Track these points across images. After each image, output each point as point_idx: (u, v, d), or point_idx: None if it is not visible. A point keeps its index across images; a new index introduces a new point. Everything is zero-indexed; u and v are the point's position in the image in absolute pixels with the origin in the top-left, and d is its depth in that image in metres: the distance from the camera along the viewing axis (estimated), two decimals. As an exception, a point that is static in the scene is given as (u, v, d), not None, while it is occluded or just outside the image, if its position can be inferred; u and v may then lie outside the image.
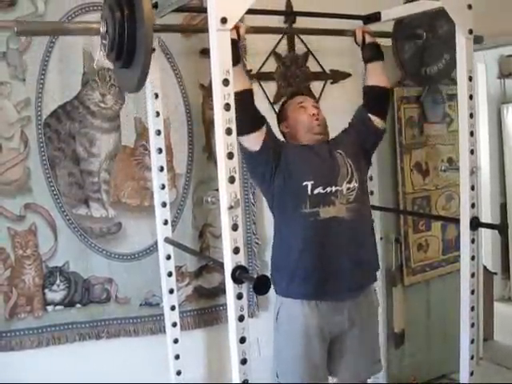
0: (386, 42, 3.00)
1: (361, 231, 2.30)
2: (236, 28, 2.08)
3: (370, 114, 2.41)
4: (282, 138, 2.41)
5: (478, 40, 2.36)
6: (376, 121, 2.41)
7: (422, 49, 2.76)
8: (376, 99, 2.45)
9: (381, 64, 2.49)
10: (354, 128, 2.45)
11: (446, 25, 2.53)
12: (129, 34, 1.83)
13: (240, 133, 2.11)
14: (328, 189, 2.21)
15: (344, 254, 2.22)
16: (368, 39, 2.50)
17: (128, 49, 1.86)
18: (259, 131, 2.19)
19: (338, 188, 2.23)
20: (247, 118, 2.11)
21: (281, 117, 2.45)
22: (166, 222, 2.49)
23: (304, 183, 2.20)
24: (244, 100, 2.08)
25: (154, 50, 2.03)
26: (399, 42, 2.83)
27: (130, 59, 1.88)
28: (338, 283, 2.21)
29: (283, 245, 2.28)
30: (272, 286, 2.24)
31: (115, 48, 1.89)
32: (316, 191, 2.20)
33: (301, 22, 2.91)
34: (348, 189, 2.25)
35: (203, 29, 1.78)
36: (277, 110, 2.85)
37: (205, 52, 2.57)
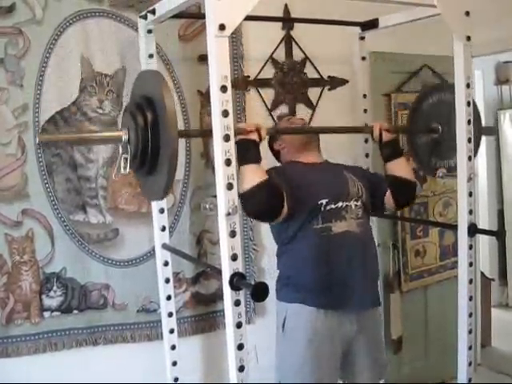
0: (386, 49, 3.03)
1: (369, 245, 2.33)
2: (257, 130, 2.10)
3: (389, 195, 2.41)
4: (275, 157, 2.46)
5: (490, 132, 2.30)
6: (390, 204, 2.43)
7: (436, 142, 2.66)
8: (402, 189, 2.43)
9: (403, 160, 2.46)
10: (370, 180, 2.43)
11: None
12: (152, 139, 1.82)
13: (268, 219, 2.26)
14: (339, 204, 2.22)
15: (356, 267, 2.21)
16: (385, 137, 2.44)
17: (152, 154, 1.84)
18: (282, 210, 2.14)
19: (347, 203, 2.24)
20: (268, 208, 2.13)
21: (273, 138, 2.44)
22: (163, 228, 2.48)
23: (319, 202, 2.19)
24: (263, 193, 2.07)
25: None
26: (413, 135, 2.81)
27: (155, 165, 1.87)
28: (350, 296, 2.20)
29: (294, 259, 2.26)
30: (276, 295, 2.26)
31: (139, 155, 1.87)
32: (328, 207, 2.20)
33: (299, 29, 2.92)
34: (356, 205, 2.26)
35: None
36: (275, 118, 2.87)
37: (203, 58, 2.57)
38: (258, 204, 2.08)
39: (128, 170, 1.92)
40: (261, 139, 2.12)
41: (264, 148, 2.32)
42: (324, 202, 2.19)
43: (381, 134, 2.44)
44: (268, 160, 2.38)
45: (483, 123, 4.72)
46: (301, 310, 2.22)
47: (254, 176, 2.04)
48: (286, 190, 2.14)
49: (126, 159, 1.90)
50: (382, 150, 2.48)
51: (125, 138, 1.89)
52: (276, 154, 2.48)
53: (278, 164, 2.47)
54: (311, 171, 2.30)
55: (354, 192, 2.28)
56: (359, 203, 2.27)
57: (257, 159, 2.08)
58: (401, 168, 2.43)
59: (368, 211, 2.36)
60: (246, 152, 2.02)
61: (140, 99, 1.92)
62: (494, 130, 2.31)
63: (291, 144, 2.39)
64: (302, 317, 2.21)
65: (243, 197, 2.02)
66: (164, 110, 1.74)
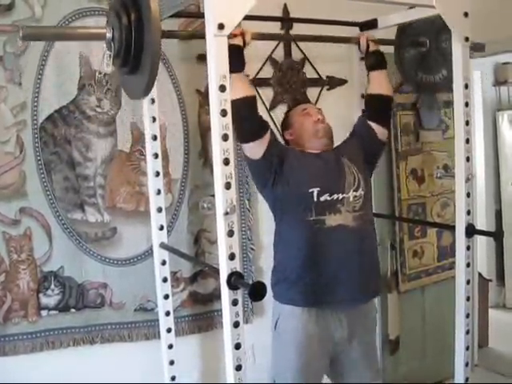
0: (387, 49, 3.02)
1: (366, 240, 2.29)
2: (242, 34, 2.08)
3: (372, 123, 2.40)
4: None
5: (479, 48, 2.36)
6: (379, 130, 2.40)
7: (423, 57, 2.75)
8: (378, 108, 2.44)
9: (384, 72, 2.48)
10: (356, 137, 2.43)
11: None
12: (136, 39, 1.82)
13: (242, 140, 2.11)
14: (335, 196, 2.19)
15: (350, 262, 2.20)
16: (372, 47, 2.48)
17: (135, 53, 1.84)
18: (262, 138, 2.16)
19: (344, 195, 2.21)
20: (250, 125, 2.11)
21: (285, 125, 2.45)
22: (161, 228, 2.48)
23: (310, 190, 2.17)
24: (247, 106, 2.08)
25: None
26: (402, 48, 2.83)
27: (137, 64, 1.87)
28: (342, 292, 2.19)
29: (287, 251, 2.26)
30: (272, 294, 2.26)
31: (122, 53, 1.87)
32: (322, 198, 2.18)
33: (297, 29, 2.92)
34: (355, 197, 2.23)
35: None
36: (273, 117, 2.86)
37: (201, 57, 2.57)
38: (240, 118, 1.95)
39: (111, 67, 1.92)
40: (245, 44, 2.11)
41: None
42: (315, 190, 2.17)
43: (367, 45, 2.48)
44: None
45: (482, 124, 4.77)
46: (292, 312, 2.22)
47: (238, 87, 1.98)
48: (275, 142, 2.21)
49: (109, 56, 1.90)
50: (366, 60, 2.51)
51: (109, 35, 1.89)
52: (287, 143, 2.45)
53: None
54: (309, 159, 2.29)
55: (351, 181, 2.25)
56: (358, 193, 2.24)
57: (240, 67, 2.04)
58: (381, 79, 2.45)
59: (369, 200, 2.34)
60: (230, 59, 1.75)
61: None
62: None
63: (301, 134, 2.37)
64: (294, 319, 2.22)
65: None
66: (148, 9, 1.73)
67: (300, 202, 2.19)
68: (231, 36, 1.93)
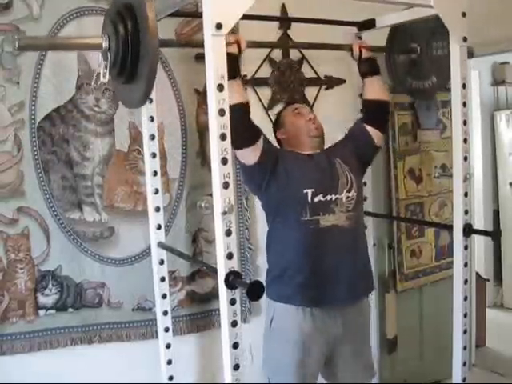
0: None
1: (359, 240, 2.33)
2: (237, 42, 2.09)
3: (368, 128, 2.41)
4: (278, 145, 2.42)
5: (468, 53, 2.36)
6: (377, 135, 2.42)
7: (414, 62, 2.74)
8: (375, 113, 2.45)
9: (378, 78, 2.49)
10: (351, 140, 2.45)
11: (443, 42, 2.52)
12: (133, 48, 1.81)
13: (236, 147, 2.12)
14: (328, 197, 2.21)
15: (343, 262, 2.22)
16: (365, 54, 2.50)
17: (132, 63, 1.83)
18: (255, 145, 2.17)
19: (338, 196, 2.23)
20: (243, 131, 2.10)
21: (277, 125, 2.46)
22: (159, 227, 2.48)
23: (304, 191, 2.19)
24: (240, 113, 2.08)
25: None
26: (392, 54, 2.84)
27: (134, 74, 1.86)
28: (337, 291, 2.21)
29: (280, 251, 2.27)
30: (265, 292, 2.26)
31: (118, 63, 1.86)
32: (316, 199, 2.19)
33: (296, 28, 2.92)
34: (348, 197, 2.25)
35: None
36: (271, 116, 2.86)
37: (199, 57, 2.57)
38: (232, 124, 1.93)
39: (107, 77, 1.91)
40: (240, 52, 2.13)
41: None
42: (310, 192, 2.19)
43: (360, 52, 2.50)
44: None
45: (479, 124, 4.78)
46: (287, 311, 2.23)
47: (232, 94, 1.96)
48: (269, 147, 2.20)
49: (105, 66, 1.89)
50: (359, 67, 2.53)
51: (105, 45, 1.87)
52: (279, 143, 2.46)
53: None
54: (303, 161, 2.29)
55: (344, 182, 2.27)
56: (351, 194, 2.26)
57: (234, 74, 2.04)
58: (375, 86, 2.47)
59: (361, 201, 2.37)
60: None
61: (121, 7, 1.88)
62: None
63: (293, 134, 2.38)
64: (289, 318, 2.23)
65: None
66: (145, 19, 1.72)
67: (294, 203, 2.20)
68: (227, 44, 1.94)
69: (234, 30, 2.51)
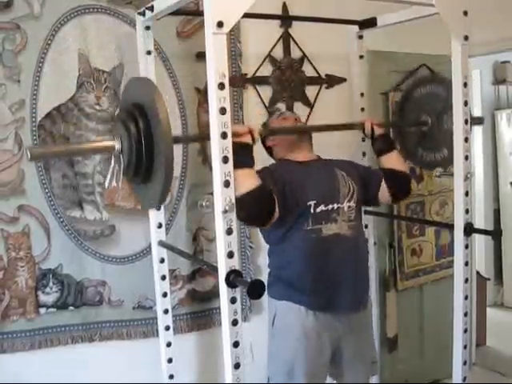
0: (386, 48, 3.03)
1: (360, 248, 2.33)
2: (250, 132, 2.07)
3: (384, 185, 2.39)
4: (267, 154, 2.45)
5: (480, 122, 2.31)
6: (386, 194, 2.40)
7: (425, 134, 2.69)
8: (398, 182, 2.43)
9: (395, 153, 2.48)
10: (363, 175, 2.41)
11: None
12: (147, 150, 1.78)
13: (259, 225, 2.23)
14: (330, 206, 2.21)
15: (346, 269, 2.22)
16: (377, 131, 2.48)
17: (146, 164, 1.81)
18: (274, 214, 2.12)
19: (339, 205, 2.23)
20: (260, 217, 2.12)
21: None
22: (159, 225, 2.48)
23: (308, 202, 2.18)
24: (258, 196, 2.05)
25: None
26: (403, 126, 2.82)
27: (149, 175, 1.83)
28: (340, 299, 2.21)
29: (283, 259, 2.27)
30: (266, 291, 2.26)
31: (132, 165, 1.83)
32: (318, 209, 2.19)
33: (297, 27, 2.92)
34: (349, 207, 2.26)
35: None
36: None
37: (200, 55, 2.57)
38: (248, 212, 2.00)
39: (120, 181, 1.90)
40: (254, 141, 2.09)
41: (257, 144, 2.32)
42: (313, 203, 2.18)
43: (372, 129, 2.47)
44: (262, 156, 2.39)
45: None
46: (290, 308, 2.23)
47: (245, 182, 1.99)
48: (277, 193, 2.12)
49: (118, 171, 1.87)
50: (374, 145, 2.51)
51: (118, 146, 1.84)
52: (268, 150, 2.47)
53: (271, 159, 2.48)
54: (302, 171, 2.29)
55: (345, 192, 2.27)
56: (352, 204, 2.26)
57: (250, 163, 2.04)
58: (394, 161, 2.45)
59: (360, 212, 2.37)
60: (239, 155, 1.82)
61: (132, 107, 1.86)
62: (482, 120, 2.36)
63: (283, 141, 2.38)
64: (291, 315, 2.22)
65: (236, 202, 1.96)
66: (158, 118, 1.71)
67: (297, 213, 2.19)
68: (239, 134, 1.99)
69: (235, 28, 2.51)
